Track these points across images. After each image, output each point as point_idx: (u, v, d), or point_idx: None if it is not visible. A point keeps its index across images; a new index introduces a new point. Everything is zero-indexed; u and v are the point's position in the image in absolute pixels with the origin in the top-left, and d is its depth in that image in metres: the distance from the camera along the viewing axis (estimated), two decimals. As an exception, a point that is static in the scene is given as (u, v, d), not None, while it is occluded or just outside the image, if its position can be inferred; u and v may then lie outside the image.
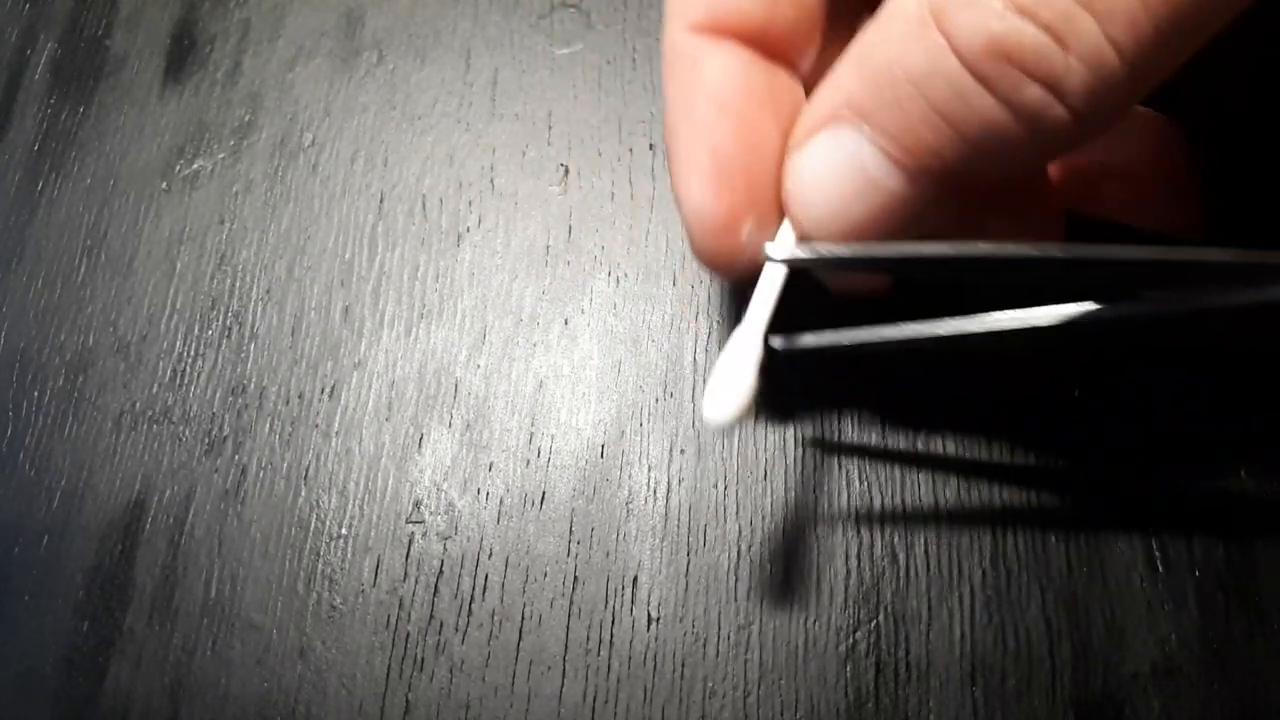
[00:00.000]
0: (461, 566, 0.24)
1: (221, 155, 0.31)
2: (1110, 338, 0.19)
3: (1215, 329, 0.19)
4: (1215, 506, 0.22)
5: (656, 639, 0.23)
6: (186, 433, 0.27)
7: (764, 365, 0.19)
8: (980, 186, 0.17)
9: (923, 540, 0.23)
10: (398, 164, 0.29)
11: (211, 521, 0.26)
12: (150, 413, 0.27)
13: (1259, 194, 0.23)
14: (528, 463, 0.25)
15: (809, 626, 0.22)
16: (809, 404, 0.24)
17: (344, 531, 0.25)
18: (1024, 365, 0.24)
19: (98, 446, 0.27)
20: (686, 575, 0.23)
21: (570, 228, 0.27)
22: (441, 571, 0.24)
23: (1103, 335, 0.19)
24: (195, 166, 0.31)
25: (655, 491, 0.24)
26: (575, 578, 0.24)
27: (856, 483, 0.23)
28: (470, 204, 0.28)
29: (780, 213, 0.19)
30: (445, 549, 0.24)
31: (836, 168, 0.17)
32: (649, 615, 0.23)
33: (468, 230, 0.28)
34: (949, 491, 0.23)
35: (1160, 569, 0.22)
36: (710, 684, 0.22)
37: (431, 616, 0.24)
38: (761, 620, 0.23)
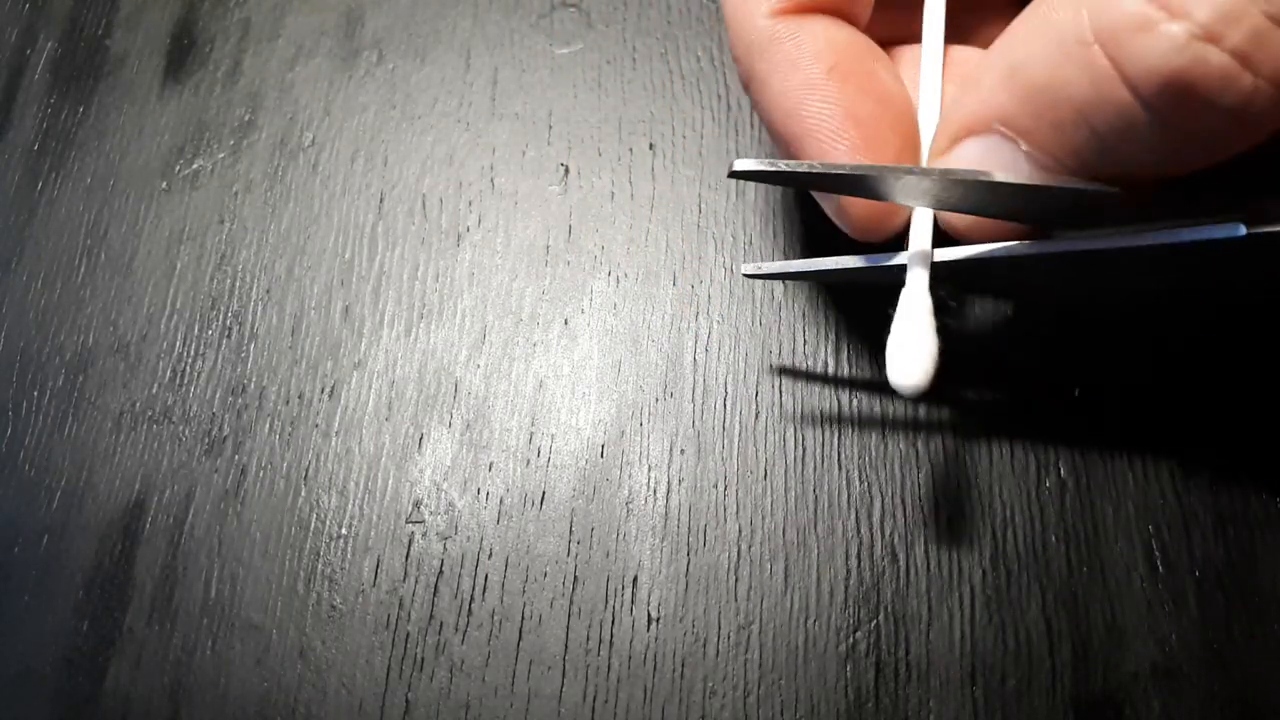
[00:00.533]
0: (461, 566, 0.24)
1: (221, 155, 0.31)
2: (1024, 273, 0.20)
3: (1125, 271, 0.20)
4: (1215, 506, 0.22)
5: (656, 639, 0.23)
6: (186, 433, 0.27)
7: (939, 321, 0.19)
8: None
9: (923, 540, 0.23)
10: (398, 164, 0.29)
11: (211, 521, 0.26)
12: (150, 413, 0.27)
13: None
14: (528, 463, 0.25)
15: (809, 626, 0.22)
16: (809, 404, 0.24)
17: (344, 531, 0.25)
18: (1024, 365, 0.24)
19: (97, 446, 0.27)
20: (686, 575, 0.23)
21: (570, 227, 0.27)
22: (441, 571, 0.24)
23: (1019, 270, 0.20)
24: (195, 166, 0.31)
25: (655, 491, 0.24)
26: (575, 578, 0.24)
27: (856, 483, 0.23)
28: (470, 204, 0.28)
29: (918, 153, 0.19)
30: (445, 549, 0.24)
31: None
32: (649, 615, 0.23)
33: (468, 230, 0.28)
34: (949, 491, 0.23)
35: (1160, 569, 0.22)
36: (710, 684, 0.22)
37: (431, 616, 0.24)
38: (761, 620, 0.23)
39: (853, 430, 0.24)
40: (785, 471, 0.24)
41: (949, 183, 0.17)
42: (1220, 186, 0.17)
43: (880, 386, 0.24)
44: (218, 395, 0.27)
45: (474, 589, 0.24)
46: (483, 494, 0.25)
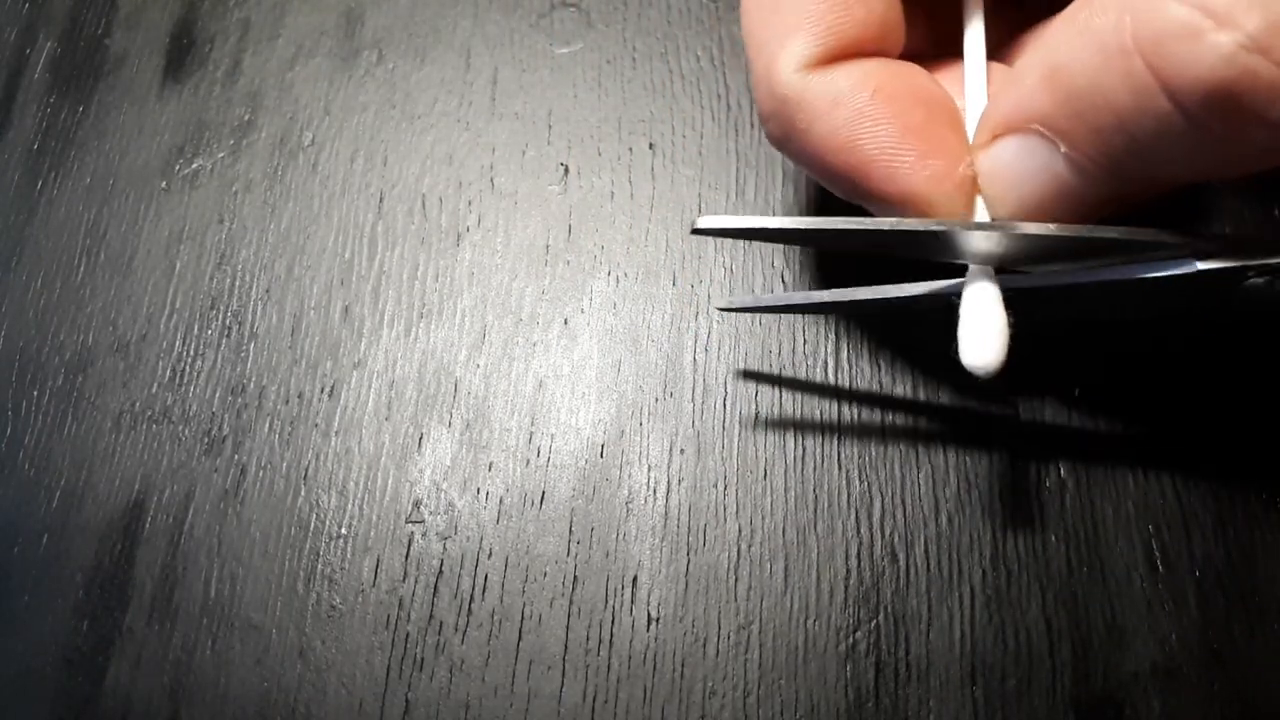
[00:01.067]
0: (461, 566, 0.24)
1: (221, 154, 0.31)
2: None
3: (1092, 302, 0.21)
4: (1215, 506, 0.22)
5: (656, 639, 0.23)
6: (186, 432, 0.27)
7: (1008, 300, 0.19)
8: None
9: (923, 540, 0.23)
10: (397, 163, 0.29)
11: (211, 521, 0.26)
12: (150, 412, 0.27)
13: None
14: (527, 462, 0.25)
15: (809, 626, 0.22)
16: (809, 404, 0.24)
17: (344, 531, 0.25)
18: (1024, 365, 0.24)
19: (97, 446, 0.27)
20: (686, 575, 0.23)
21: (570, 227, 0.27)
22: (441, 571, 0.24)
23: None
24: (195, 166, 0.31)
25: (655, 491, 0.24)
26: (575, 577, 0.24)
27: (856, 483, 0.23)
28: (470, 203, 0.28)
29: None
30: (445, 549, 0.24)
31: (1029, 172, 0.17)
32: (649, 615, 0.23)
33: (467, 230, 0.28)
34: (949, 491, 0.23)
35: (1160, 569, 0.22)
36: (710, 684, 0.22)
37: (431, 616, 0.24)
38: (761, 620, 0.23)
39: (853, 430, 0.24)
40: (785, 471, 0.24)
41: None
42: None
43: (880, 386, 0.24)
44: (217, 395, 0.27)
45: (474, 589, 0.24)
46: (482, 494, 0.25)
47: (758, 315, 0.25)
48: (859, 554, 0.23)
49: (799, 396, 0.24)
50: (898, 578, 0.23)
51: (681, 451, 0.24)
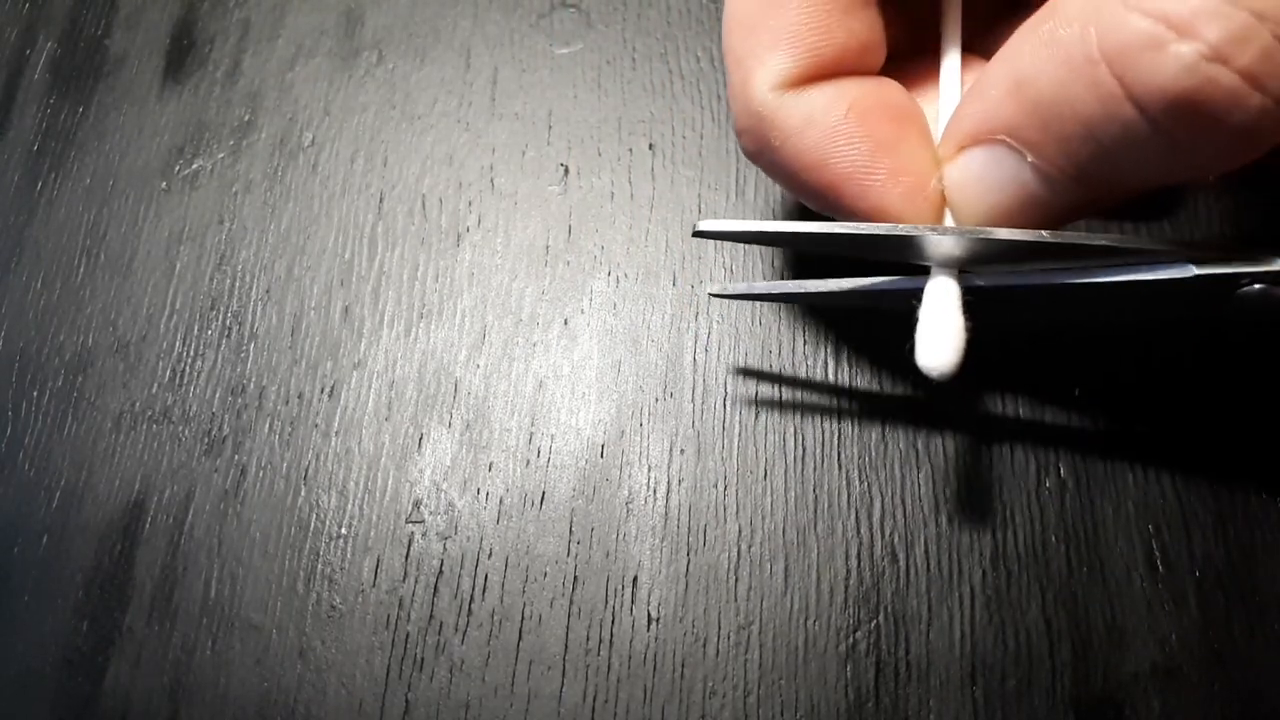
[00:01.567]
0: (461, 566, 0.24)
1: (221, 155, 0.31)
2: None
3: (1085, 303, 0.20)
4: (1215, 506, 0.22)
5: (656, 639, 0.23)
6: (186, 433, 0.27)
7: (967, 304, 0.19)
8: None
9: (923, 540, 0.23)
10: (397, 164, 0.29)
11: (211, 521, 0.26)
12: (150, 413, 0.27)
13: None
14: (527, 463, 0.25)
15: (809, 626, 0.22)
16: (809, 404, 0.24)
17: (344, 531, 0.25)
18: (1024, 365, 0.24)
19: (97, 446, 0.27)
20: (686, 575, 0.23)
21: (570, 228, 0.27)
22: (441, 571, 0.24)
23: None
24: (195, 166, 0.31)
25: (655, 491, 0.24)
26: (575, 577, 0.24)
27: (856, 483, 0.23)
28: (470, 204, 0.28)
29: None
30: (445, 549, 0.24)
31: (996, 182, 0.17)
32: (649, 615, 0.23)
33: (467, 230, 0.28)
34: (949, 491, 0.23)
35: (1160, 569, 0.22)
36: (710, 684, 0.22)
37: (431, 616, 0.24)
38: (761, 620, 0.23)
39: (853, 430, 0.24)
40: (785, 471, 0.24)
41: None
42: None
43: (881, 386, 0.24)
44: (217, 395, 0.27)
45: (474, 589, 0.24)
46: (482, 494, 0.25)
47: (758, 315, 0.25)
48: (859, 554, 0.23)
49: (799, 397, 0.24)
50: (898, 578, 0.23)
51: (681, 452, 0.24)
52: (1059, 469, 0.23)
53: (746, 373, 0.25)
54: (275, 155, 0.30)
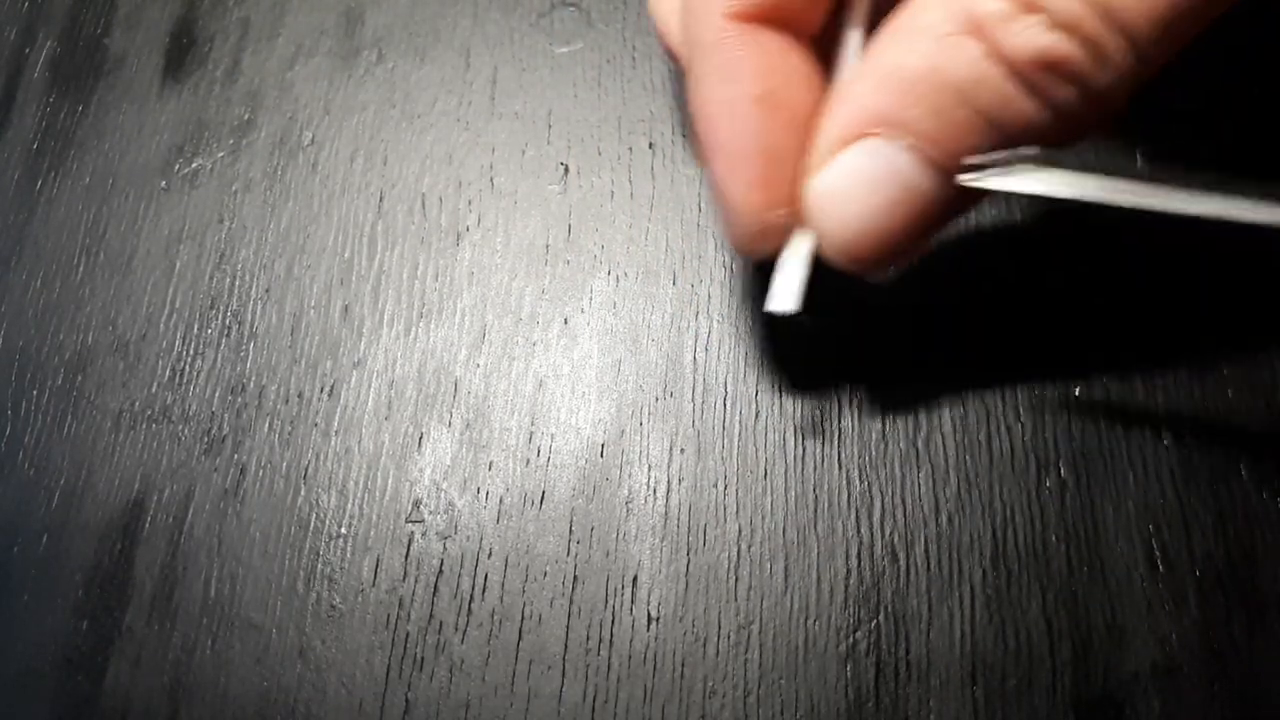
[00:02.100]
0: (461, 566, 0.24)
1: (221, 154, 0.31)
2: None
3: None
4: (1215, 506, 0.22)
5: (656, 639, 0.23)
6: (186, 432, 0.27)
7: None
8: None
9: (923, 540, 0.23)
10: (397, 163, 0.29)
11: (211, 521, 0.26)
12: (149, 412, 0.27)
13: None
14: (527, 462, 0.25)
15: (809, 626, 0.22)
16: (809, 403, 0.24)
17: (343, 531, 0.25)
18: (1024, 364, 0.24)
19: (97, 445, 0.27)
20: (686, 575, 0.23)
21: (570, 227, 0.27)
22: (441, 571, 0.24)
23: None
24: (194, 165, 0.31)
25: (655, 491, 0.24)
26: (575, 577, 0.24)
27: (857, 483, 0.23)
28: (470, 203, 0.28)
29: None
30: (445, 548, 0.24)
31: (873, 180, 0.17)
32: (649, 615, 0.23)
33: (467, 229, 0.28)
34: (949, 491, 0.23)
35: (1160, 568, 0.22)
36: (710, 684, 0.22)
37: (431, 616, 0.24)
38: (761, 620, 0.23)
39: (853, 430, 0.24)
40: (785, 471, 0.24)
41: None
42: None
43: (881, 386, 0.24)
44: (217, 394, 0.27)
45: (474, 588, 0.24)
46: (482, 493, 0.25)
47: (758, 315, 0.25)
48: (859, 554, 0.23)
49: (799, 396, 0.24)
50: (898, 578, 0.23)
51: (681, 451, 0.24)
52: (1059, 468, 0.23)
53: (746, 372, 0.25)
54: (275, 154, 0.30)
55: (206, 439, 0.27)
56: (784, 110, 0.19)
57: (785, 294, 0.20)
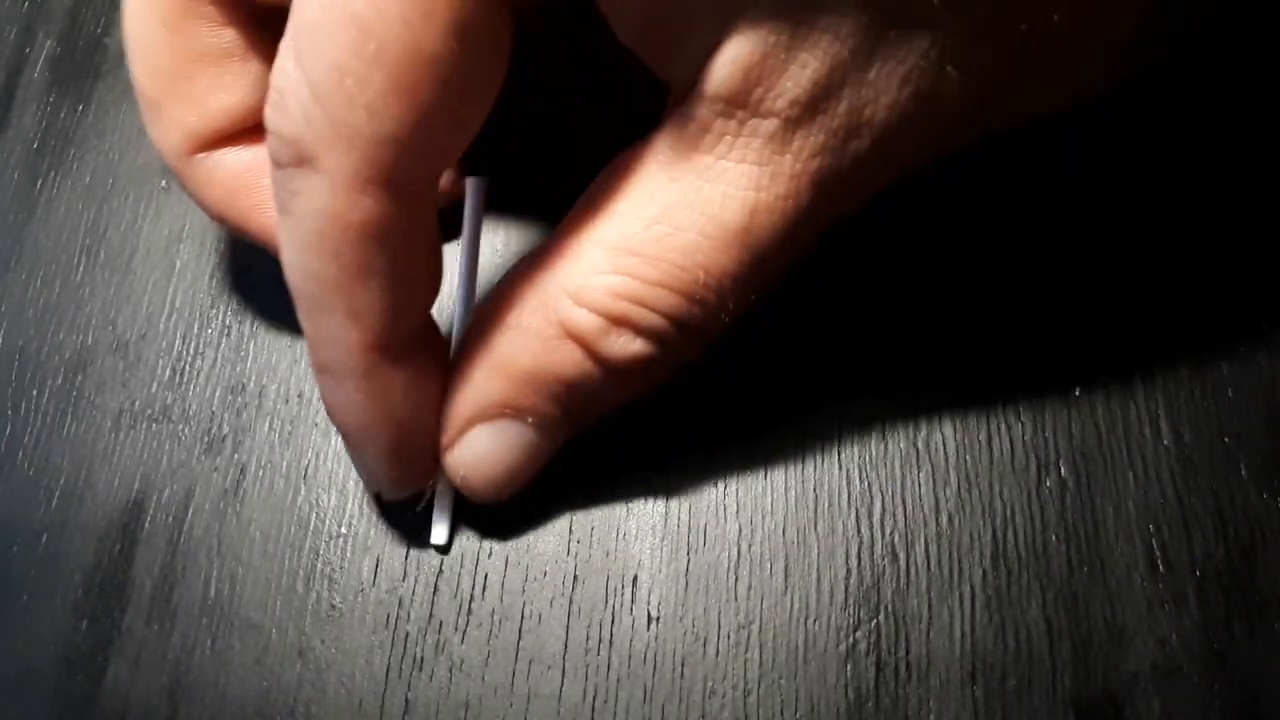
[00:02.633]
0: (461, 565, 0.24)
1: (221, 154, 0.30)
2: None
3: None
4: (1215, 506, 0.22)
5: (656, 638, 0.23)
6: (186, 431, 0.27)
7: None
8: None
9: (923, 539, 0.23)
10: (397, 163, 0.29)
11: (211, 521, 0.26)
12: (149, 411, 0.27)
13: None
14: (527, 462, 0.25)
15: (809, 626, 0.22)
16: (809, 403, 0.24)
17: (343, 530, 0.25)
18: (1024, 364, 0.24)
19: (96, 445, 0.27)
20: (686, 574, 0.23)
21: (570, 227, 0.27)
22: (441, 570, 0.24)
23: None
24: (194, 165, 0.30)
25: (655, 490, 0.24)
26: (575, 577, 0.24)
27: (857, 482, 0.23)
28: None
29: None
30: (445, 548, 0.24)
31: (503, 449, 0.21)
32: (649, 614, 0.23)
33: (467, 229, 0.28)
34: (949, 491, 0.23)
35: (1161, 568, 0.22)
36: (710, 683, 0.22)
37: (431, 615, 0.24)
38: (761, 619, 0.23)
39: (853, 429, 0.24)
40: (785, 471, 0.24)
41: None
42: None
43: (881, 386, 0.24)
44: (217, 394, 0.27)
45: (474, 588, 0.24)
46: (482, 493, 0.25)
47: (758, 314, 0.25)
48: (859, 553, 0.23)
49: (799, 396, 0.24)
50: (898, 577, 0.23)
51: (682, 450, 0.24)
52: (1059, 468, 0.23)
53: (746, 372, 0.25)
54: (275, 154, 0.30)
55: (206, 439, 0.27)
56: (421, 414, 0.21)
57: (439, 532, 0.24)
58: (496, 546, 0.24)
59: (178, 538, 0.26)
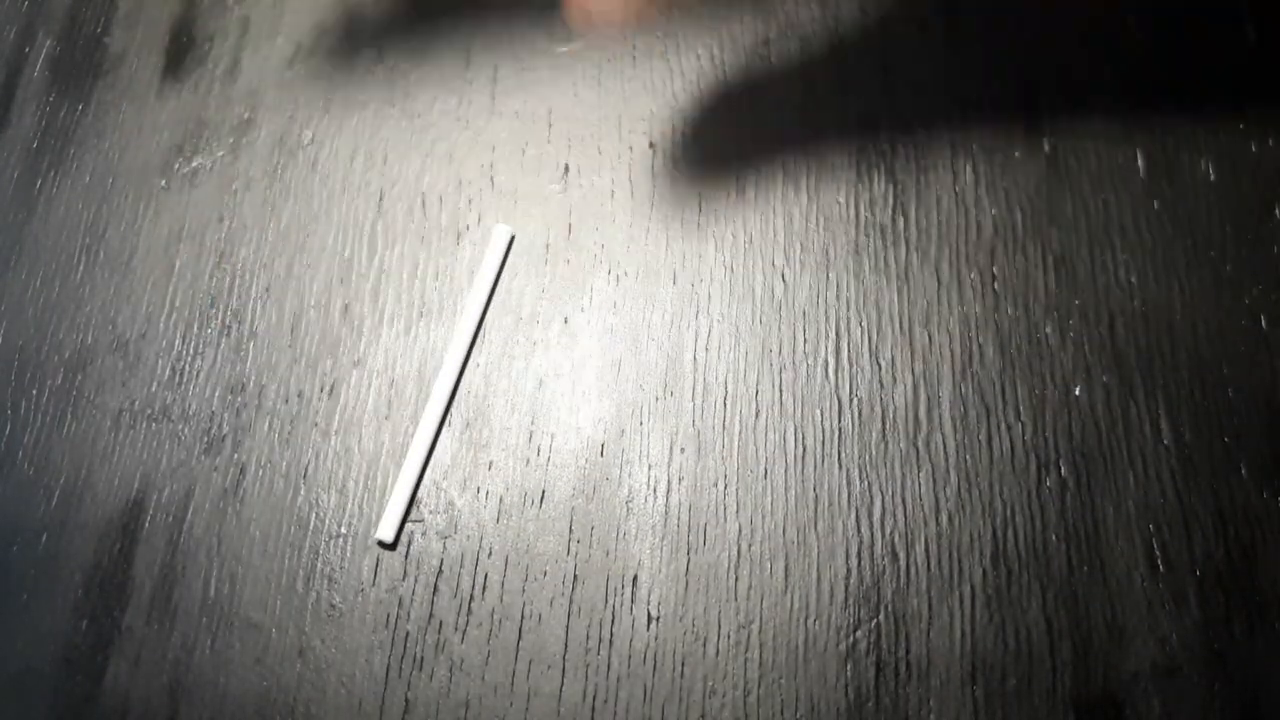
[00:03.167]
0: (461, 565, 0.24)
1: (220, 153, 0.30)
2: None
3: None
4: (1216, 505, 0.22)
5: (656, 638, 0.23)
6: (185, 431, 0.27)
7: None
8: None
9: (923, 539, 0.23)
10: (397, 161, 0.29)
11: (210, 520, 0.26)
12: (149, 411, 0.27)
13: None
14: (527, 461, 0.25)
15: (809, 625, 0.22)
16: (809, 403, 0.24)
17: (343, 530, 0.25)
18: (1024, 364, 0.24)
19: (96, 445, 0.27)
20: (686, 574, 0.23)
21: (570, 225, 0.27)
22: (441, 570, 0.24)
23: None
24: (194, 164, 0.31)
25: (655, 490, 0.24)
26: (575, 576, 0.24)
27: (857, 482, 0.23)
28: (470, 202, 0.28)
29: None
30: (445, 547, 0.24)
31: None
32: (649, 614, 0.23)
33: (467, 228, 0.28)
34: (949, 491, 0.23)
35: (1161, 568, 0.22)
36: (710, 683, 0.22)
37: (431, 615, 0.24)
38: (761, 619, 0.23)
39: (853, 429, 0.24)
40: (785, 470, 0.24)
41: None
42: None
43: (881, 386, 0.24)
44: (217, 394, 0.27)
45: (474, 588, 0.24)
46: (482, 492, 0.25)
47: (758, 315, 0.25)
48: (859, 553, 0.23)
49: (799, 395, 0.24)
50: (898, 577, 0.23)
51: (682, 450, 0.24)
52: (1059, 468, 0.23)
53: (746, 371, 0.25)
54: (275, 153, 0.30)
55: (206, 438, 0.27)
56: None
57: (387, 528, 0.24)
58: (496, 546, 0.24)
59: (177, 537, 0.26)
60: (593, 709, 0.22)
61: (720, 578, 0.23)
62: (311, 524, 0.25)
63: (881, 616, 0.22)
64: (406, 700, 0.23)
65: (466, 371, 0.26)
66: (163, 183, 0.30)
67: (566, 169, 0.28)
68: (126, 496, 0.26)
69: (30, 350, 0.29)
